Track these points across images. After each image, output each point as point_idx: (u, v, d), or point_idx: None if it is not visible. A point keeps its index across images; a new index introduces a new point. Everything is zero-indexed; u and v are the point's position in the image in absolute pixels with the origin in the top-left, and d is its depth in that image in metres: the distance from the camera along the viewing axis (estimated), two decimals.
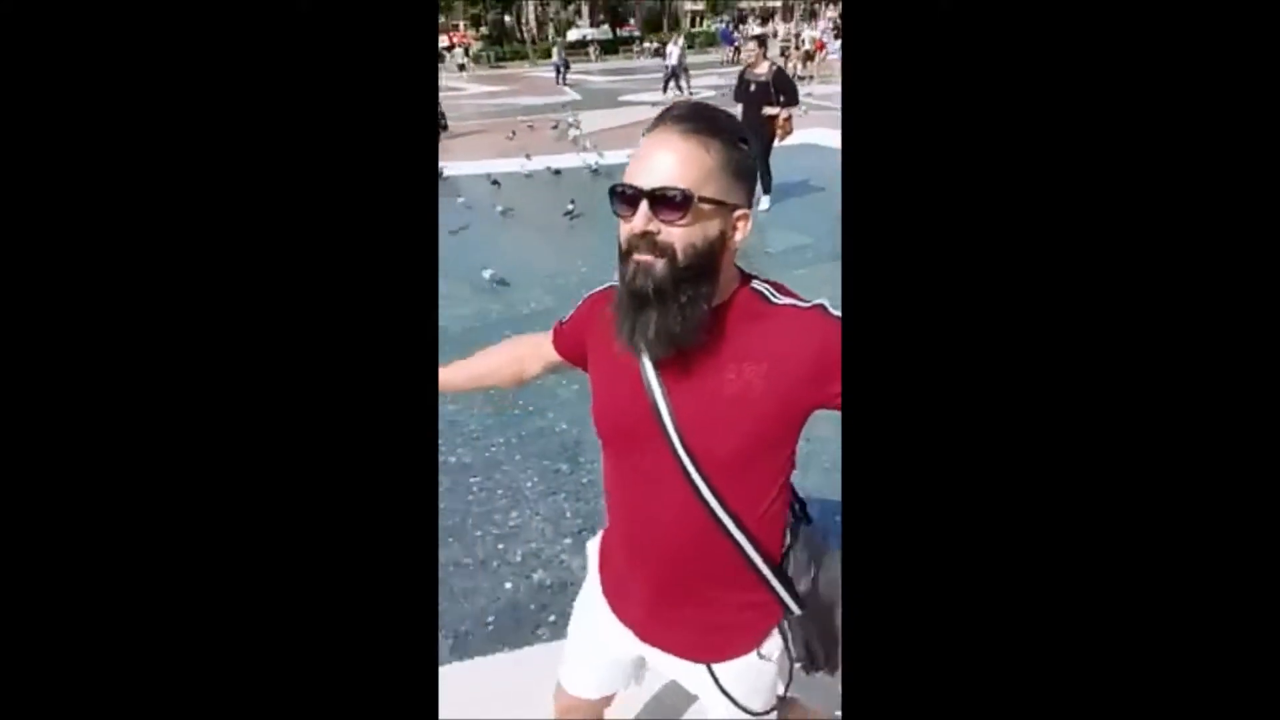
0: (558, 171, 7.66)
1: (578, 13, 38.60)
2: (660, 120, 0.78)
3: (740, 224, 0.80)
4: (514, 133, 10.27)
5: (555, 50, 20.60)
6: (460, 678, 1.77)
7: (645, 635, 0.98)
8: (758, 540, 0.86)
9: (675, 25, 37.28)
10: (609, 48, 32.75)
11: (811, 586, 0.92)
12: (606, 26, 37.68)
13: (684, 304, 0.76)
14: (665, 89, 14.88)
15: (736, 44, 21.54)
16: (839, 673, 0.96)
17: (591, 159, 7.75)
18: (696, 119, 0.77)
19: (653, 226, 0.75)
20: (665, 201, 0.74)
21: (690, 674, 0.99)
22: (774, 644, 0.96)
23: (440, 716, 0.66)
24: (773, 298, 0.84)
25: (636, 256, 0.77)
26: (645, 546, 0.92)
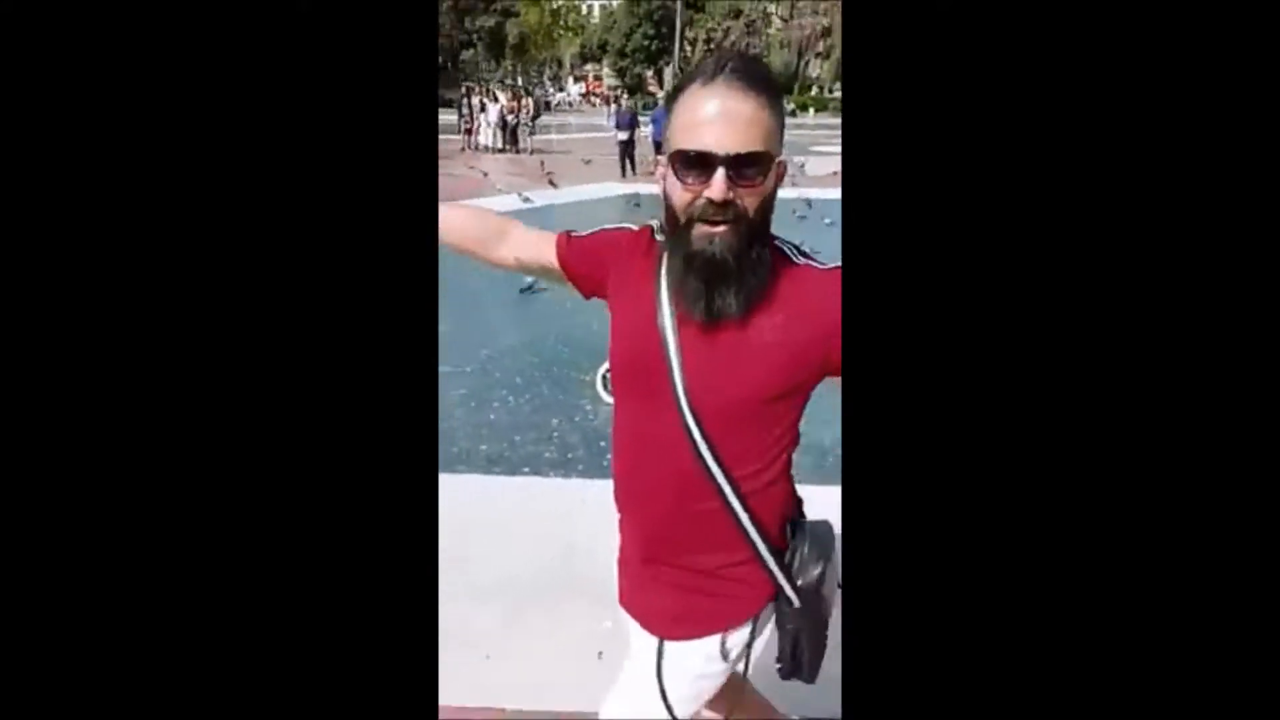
0: None
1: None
2: (715, 73, 0.74)
3: (782, 173, 0.79)
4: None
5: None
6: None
7: (622, 599, 0.98)
8: (751, 506, 0.85)
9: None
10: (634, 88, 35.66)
11: (815, 584, 0.88)
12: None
13: (756, 261, 0.77)
14: None
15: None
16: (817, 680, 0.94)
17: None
18: (753, 74, 0.74)
19: (732, 194, 0.73)
20: (745, 167, 0.73)
21: (637, 659, 0.94)
22: (738, 639, 0.92)
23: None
24: (794, 256, 0.84)
25: (709, 228, 0.75)
26: (637, 495, 0.93)
